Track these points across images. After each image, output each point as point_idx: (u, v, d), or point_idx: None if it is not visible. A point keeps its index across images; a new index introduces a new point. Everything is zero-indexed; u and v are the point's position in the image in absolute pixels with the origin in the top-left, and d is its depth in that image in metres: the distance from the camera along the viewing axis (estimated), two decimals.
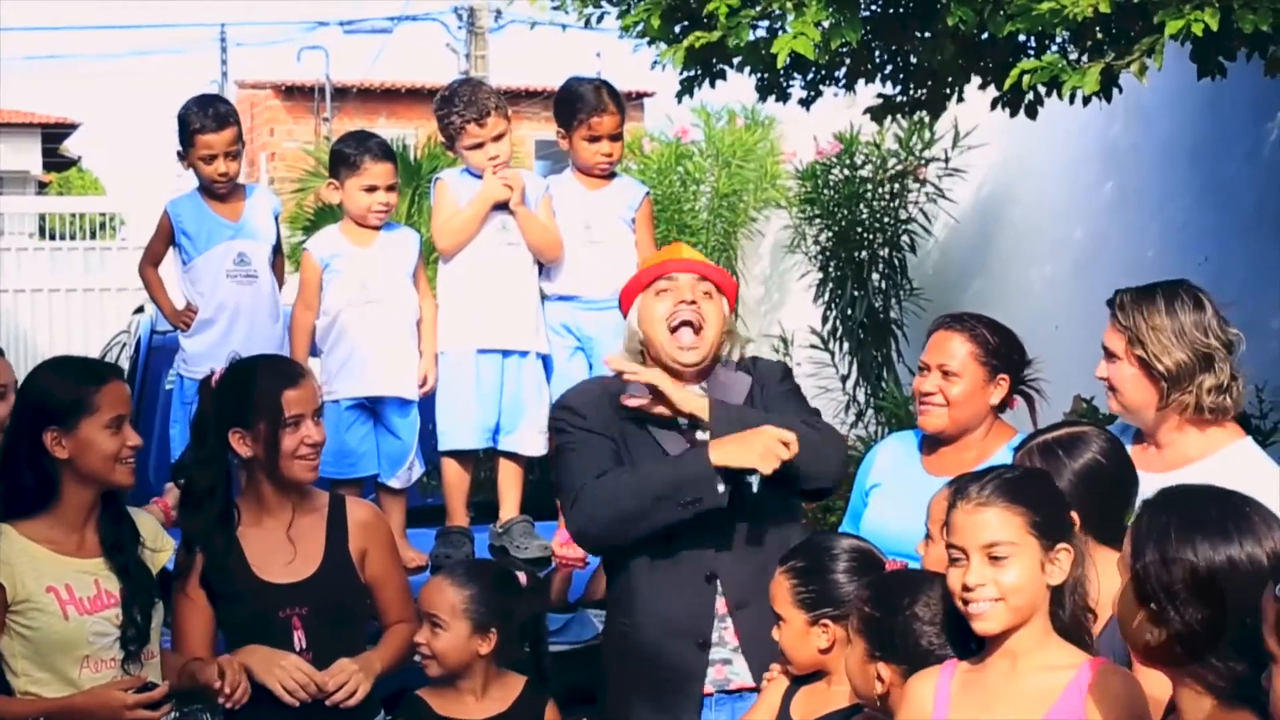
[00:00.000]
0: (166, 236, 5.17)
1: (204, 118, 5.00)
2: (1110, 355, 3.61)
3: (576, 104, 5.11)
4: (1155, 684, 2.64)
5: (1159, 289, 3.58)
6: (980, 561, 2.80)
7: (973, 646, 2.95)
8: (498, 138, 5.00)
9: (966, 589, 2.80)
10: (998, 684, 2.82)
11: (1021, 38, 5.60)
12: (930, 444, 4.00)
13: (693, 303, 3.84)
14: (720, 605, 3.75)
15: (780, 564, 3.45)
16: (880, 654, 3.03)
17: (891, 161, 9.34)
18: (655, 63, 5.71)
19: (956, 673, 2.90)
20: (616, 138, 5.14)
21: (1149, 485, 3.14)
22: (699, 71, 5.95)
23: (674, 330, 3.84)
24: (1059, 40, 5.60)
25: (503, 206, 5.00)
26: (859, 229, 9.45)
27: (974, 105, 7.06)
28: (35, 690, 3.54)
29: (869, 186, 9.43)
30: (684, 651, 3.74)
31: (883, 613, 3.05)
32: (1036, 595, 2.81)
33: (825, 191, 9.54)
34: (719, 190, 11.16)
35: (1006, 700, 2.79)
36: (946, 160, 9.14)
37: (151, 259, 5.25)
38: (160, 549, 3.79)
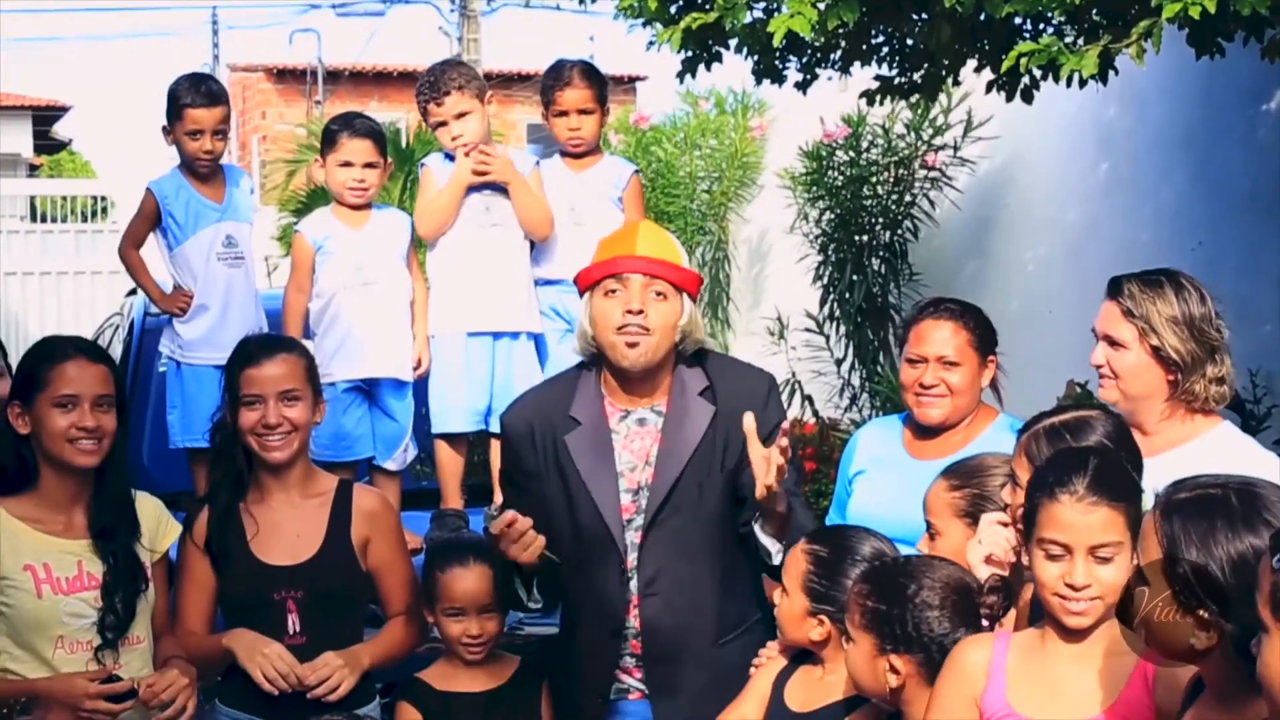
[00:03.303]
0: (151, 218, 5.07)
1: (195, 94, 4.95)
2: (1114, 344, 3.55)
3: (547, 80, 5.16)
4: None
5: (1164, 278, 3.54)
6: (1086, 561, 2.73)
7: (985, 625, 2.92)
8: (460, 116, 4.97)
9: (1072, 588, 2.73)
10: (1062, 669, 2.77)
11: (1018, 20, 5.58)
12: (915, 428, 3.97)
13: (640, 312, 3.69)
14: (633, 590, 3.73)
15: (806, 539, 3.42)
16: (891, 646, 2.99)
17: (899, 145, 9.33)
18: (651, 44, 5.69)
19: (1011, 647, 2.84)
20: (586, 113, 5.12)
21: None
22: (696, 53, 5.93)
23: (620, 331, 3.71)
24: (1055, 23, 5.59)
25: (485, 187, 5.00)
26: (862, 213, 9.44)
27: (971, 89, 7.06)
28: (14, 668, 3.55)
29: (874, 171, 9.43)
30: (600, 641, 3.74)
31: (888, 604, 3.01)
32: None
33: (830, 174, 9.53)
34: (692, 174, 11.16)
35: (1072, 687, 2.74)
36: (955, 149, 9.13)
37: (134, 241, 5.13)
38: (155, 548, 3.78)
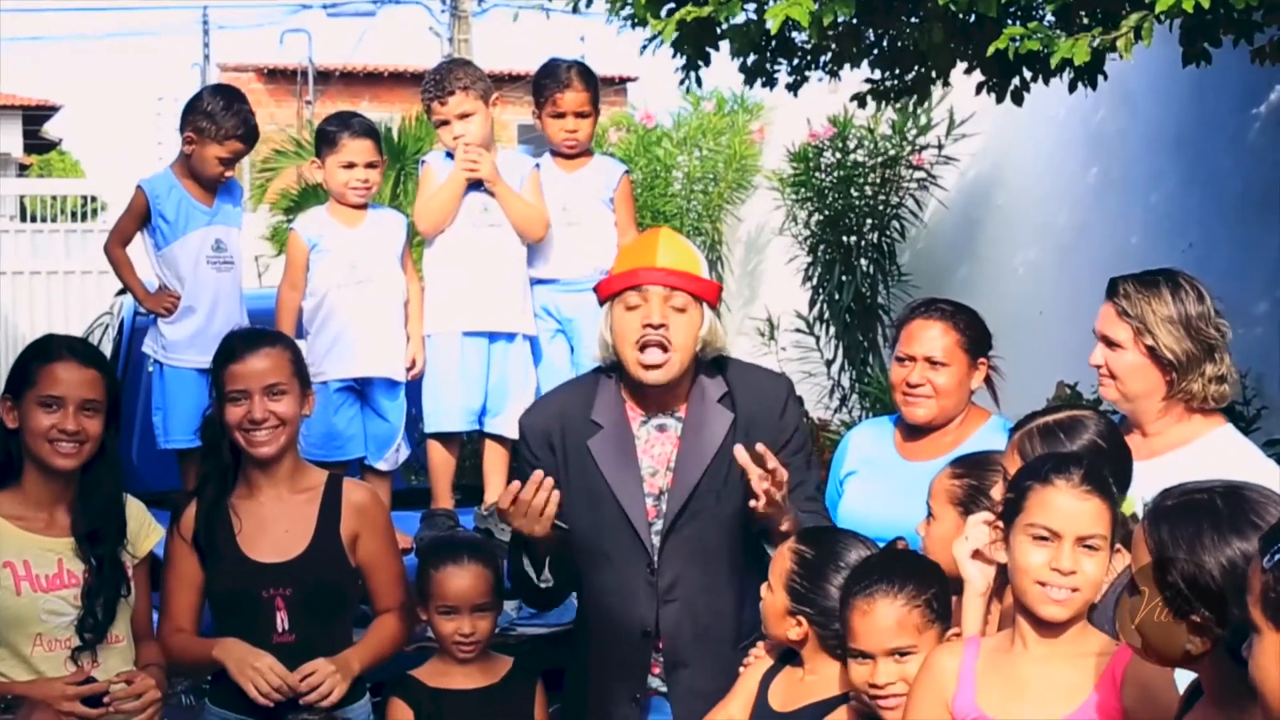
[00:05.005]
0: (140, 216, 5.05)
1: (244, 125, 4.94)
2: (1111, 344, 3.56)
3: (543, 80, 5.16)
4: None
5: (1160, 278, 3.54)
6: (1073, 548, 2.74)
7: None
8: (463, 116, 4.98)
9: (1059, 572, 2.74)
10: (1030, 670, 2.79)
11: (1010, 21, 5.59)
12: (906, 429, 3.98)
13: (660, 326, 3.68)
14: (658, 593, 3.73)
15: (796, 537, 3.42)
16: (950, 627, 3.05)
17: (884, 146, 9.34)
18: (645, 46, 5.69)
19: (981, 651, 2.87)
20: (583, 115, 5.14)
21: (1136, 472, 3.16)
22: (692, 54, 5.93)
23: (641, 349, 3.70)
24: (1046, 22, 5.60)
25: (484, 186, 5.00)
26: (850, 214, 9.44)
27: (961, 91, 7.06)
28: None
29: (861, 171, 9.43)
30: (629, 642, 3.73)
31: (940, 588, 3.05)
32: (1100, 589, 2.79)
33: (817, 175, 9.54)
34: (691, 174, 11.17)
35: (1040, 688, 2.76)
36: (940, 148, 9.14)
37: (121, 238, 5.11)
38: (136, 551, 3.76)
